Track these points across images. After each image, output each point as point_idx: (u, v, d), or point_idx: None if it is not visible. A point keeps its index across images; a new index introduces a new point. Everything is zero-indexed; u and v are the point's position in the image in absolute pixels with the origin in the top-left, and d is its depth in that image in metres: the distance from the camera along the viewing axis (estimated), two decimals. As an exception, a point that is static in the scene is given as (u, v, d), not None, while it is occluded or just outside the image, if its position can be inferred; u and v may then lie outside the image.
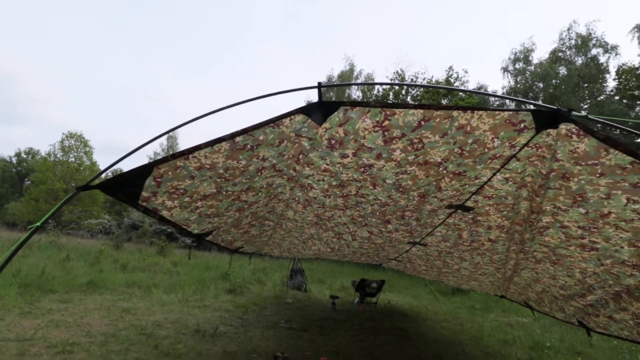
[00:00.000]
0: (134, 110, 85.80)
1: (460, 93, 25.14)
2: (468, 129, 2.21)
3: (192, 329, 5.81)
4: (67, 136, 36.54)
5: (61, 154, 36.48)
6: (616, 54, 23.73)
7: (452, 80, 26.35)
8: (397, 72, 27.94)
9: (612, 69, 23.93)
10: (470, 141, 2.32)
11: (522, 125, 2.16)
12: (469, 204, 3.28)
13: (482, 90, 27.34)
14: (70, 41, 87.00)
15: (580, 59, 24.73)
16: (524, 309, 8.57)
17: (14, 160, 51.69)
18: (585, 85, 24.38)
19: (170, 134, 41.02)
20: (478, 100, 23.27)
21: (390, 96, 26.40)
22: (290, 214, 4.11)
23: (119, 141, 77.14)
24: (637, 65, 22.91)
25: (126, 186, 2.32)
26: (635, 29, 22.57)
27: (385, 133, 2.33)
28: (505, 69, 26.88)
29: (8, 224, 31.85)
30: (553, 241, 3.19)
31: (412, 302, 11.22)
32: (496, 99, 25.27)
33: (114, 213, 37.39)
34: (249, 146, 2.35)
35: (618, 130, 2.30)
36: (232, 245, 4.85)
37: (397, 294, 12.69)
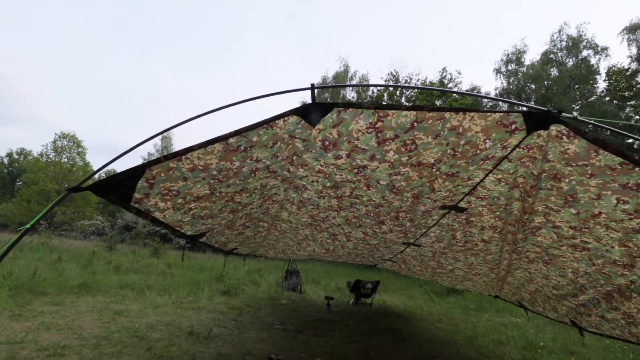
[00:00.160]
0: (131, 110, 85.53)
1: (454, 94, 25.30)
2: (460, 130, 2.23)
3: (185, 331, 5.77)
4: (59, 136, 36.21)
5: (54, 154, 36.13)
6: (606, 56, 24.11)
7: (445, 82, 26.53)
8: (392, 73, 28.07)
9: (603, 70, 24.32)
10: (462, 142, 2.34)
11: (514, 126, 2.18)
12: (462, 204, 3.30)
13: (475, 92, 27.57)
14: (67, 41, 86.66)
15: (571, 60, 25.04)
16: (518, 309, 8.63)
17: (6, 160, 51.05)
18: (577, 86, 24.67)
19: (165, 134, 40.84)
20: (471, 102, 23.43)
21: (385, 97, 26.51)
22: (285, 215, 4.10)
23: (114, 142, 76.78)
24: (626, 67, 23.26)
25: (118, 188, 2.30)
26: (625, 31, 22.93)
27: (379, 134, 2.34)
28: (497, 71, 27.13)
29: (-1, 225, 31.50)
30: (545, 241, 3.22)
31: (406, 302, 11.25)
32: (489, 100, 25.46)
33: (107, 214, 37.09)
34: (242, 147, 2.35)
35: (608, 131, 2.33)
36: (226, 246, 4.83)
37: (391, 294, 12.72)
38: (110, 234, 23.76)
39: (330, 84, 28.25)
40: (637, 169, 1.99)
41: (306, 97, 25.52)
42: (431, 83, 26.44)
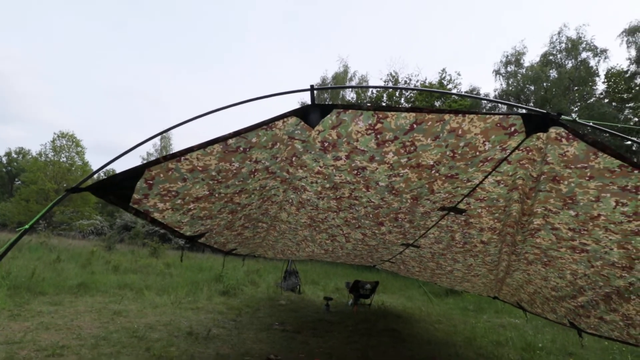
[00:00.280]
0: (131, 110, 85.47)
1: (453, 95, 25.35)
2: (459, 132, 2.23)
3: (184, 331, 5.77)
4: (58, 136, 36.15)
5: (52, 153, 36.07)
6: (605, 58, 24.15)
7: (445, 83, 26.56)
8: (391, 73, 28.09)
9: (602, 72, 24.38)
10: (461, 144, 2.34)
11: (513, 128, 2.18)
12: (461, 206, 3.30)
13: (474, 93, 27.60)
14: (67, 41, 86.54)
15: (570, 62, 25.10)
16: (517, 310, 8.63)
17: (4, 159, 50.98)
18: (576, 88, 24.71)
19: (165, 134, 40.84)
20: (471, 103, 23.46)
21: (384, 98, 26.52)
22: (284, 216, 4.10)
23: (114, 142, 76.73)
24: (625, 69, 23.31)
25: (117, 188, 2.29)
26: (624, 33, 22.98)
27: (378, 136, 2.34)
28: (497, 72, 27.16)
29: (-2, 224, 31.46)
30: (544, 243, 3.23)
31: (405, 303, 11.25)
32: (488, 101, 25.45)
33: (106, 214, 37.05)
34: (241, 148, 2.35)
35: (608, 133, 2.33)
36: (225, 247, 4.83)
37: (390, 295, 12.71)
38: (109, 234, 23.73)
39: (329, 85, 28.32)
40: (636, 171, 2.00)
41: (305, 98, 25.58)
42: (430, 84, 26.47)
